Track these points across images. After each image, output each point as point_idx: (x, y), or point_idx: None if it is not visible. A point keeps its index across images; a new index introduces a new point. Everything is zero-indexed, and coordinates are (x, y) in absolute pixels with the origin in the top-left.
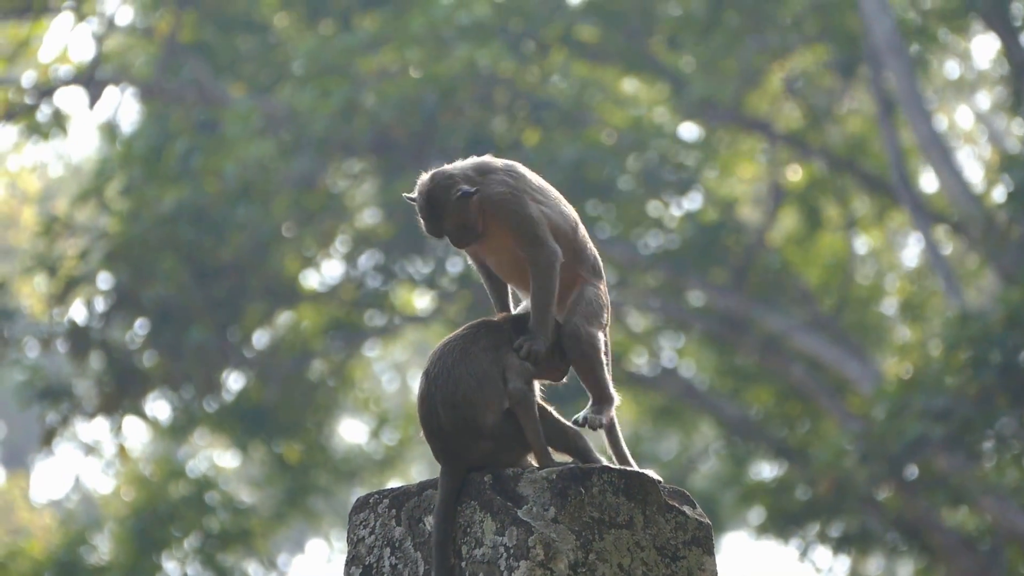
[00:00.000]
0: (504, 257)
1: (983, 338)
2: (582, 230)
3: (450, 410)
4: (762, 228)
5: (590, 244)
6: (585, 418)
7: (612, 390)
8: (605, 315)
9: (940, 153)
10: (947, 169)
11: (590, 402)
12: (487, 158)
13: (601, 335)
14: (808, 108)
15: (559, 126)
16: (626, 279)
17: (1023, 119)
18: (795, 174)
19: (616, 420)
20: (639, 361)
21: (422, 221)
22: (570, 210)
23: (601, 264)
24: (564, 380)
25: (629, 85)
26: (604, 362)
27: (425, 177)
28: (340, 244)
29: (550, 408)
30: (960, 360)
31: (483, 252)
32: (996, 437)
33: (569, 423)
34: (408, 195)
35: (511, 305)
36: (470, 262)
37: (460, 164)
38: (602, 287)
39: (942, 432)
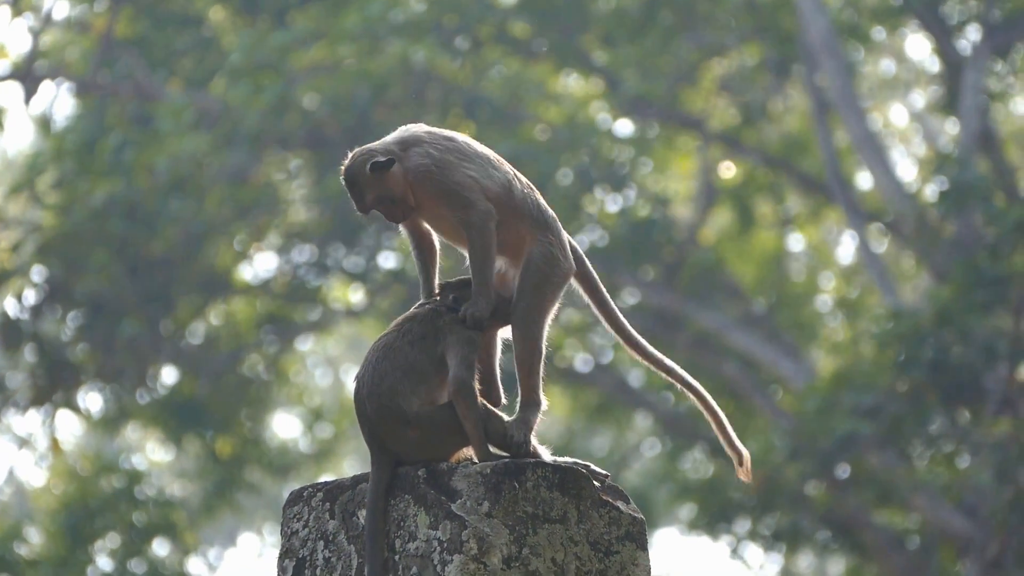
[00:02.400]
0: (444, 224)
1: (914, 336)
2: (518, 185)
3: (375, 400)
4: (694, 225)
5: (532, 197)
6: (512, 429)
7: (540, 394)
8: (557, 270)
9: (874, 151)
10: (881, 167)
11: (518, 406)
12: (413, 129)
13: (552, 302)
14: (743, 106)
15: (493, 122)
16: None
17: (957, 118)
18: (728, 171)
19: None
20: (573, 355)
21: (352, 202)
22: (501, 170)
23: (548, 212)
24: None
25: (563, 82)
26: (542, 358)
27: (347, 156)
28: (273, 238)
29: (489, 405)
30: (890, 358)
31: (421, 223)
32: (927, 435)
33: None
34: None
35: (436, 282)
36: (403, 233)
37: (387, 138)
38: (551, 238)
39: (872, 430)
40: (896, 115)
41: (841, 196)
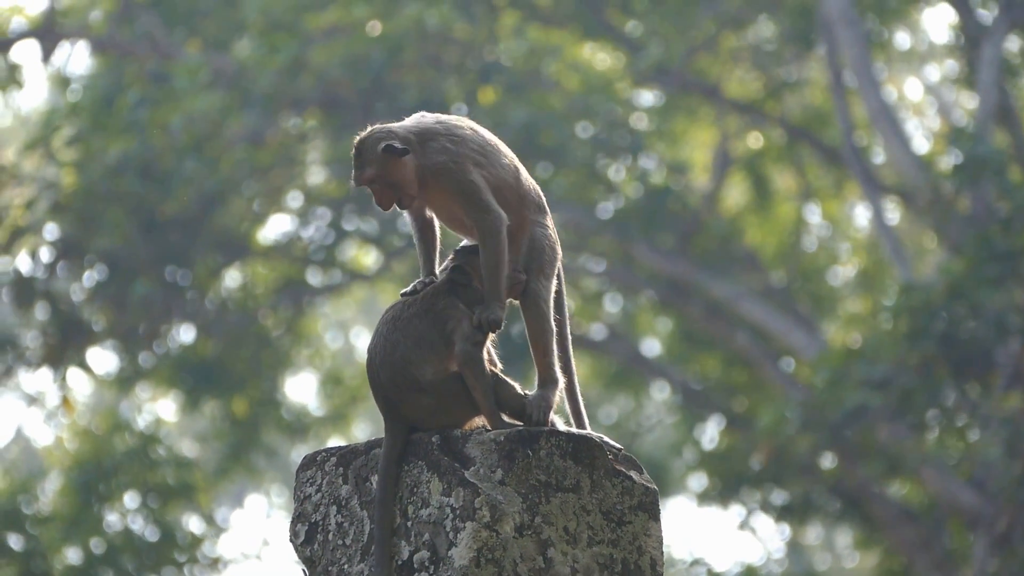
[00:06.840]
0: (453, 219)
1: (925, 309)
2: (523, 173)
3: (388, 368)
4: (711, 193)
5: (532, 183)
6: (531, 408)
7: (556, 371)
8: (557, 256)
9: (889, 124)
10: (896, 140)
11: (536, 383)
12: (430, 122)
13: (553, 284)
14: (763, 77)
15: (510, 89)
16: (581, 243)
17: (974, 92)
18: (756, 142)
19: (576, 382)
20: (587, 324)
21: (352, 170)
22: (510, 158)
23: (543, 198)
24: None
25: (584, 50)
26: (553, 337)
27: (367, 127)
28: (289, 201)
29: (502, 374)
30: (902, 330)
31: (425, 210)
32: (937, 408)
33: (521, 390)
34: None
35: (437, 265)
36: (406, 218)
37: (406, 124)
38: (549, 223)
39: (882, 401)
40: (911, 88)
41: (857, 168)
